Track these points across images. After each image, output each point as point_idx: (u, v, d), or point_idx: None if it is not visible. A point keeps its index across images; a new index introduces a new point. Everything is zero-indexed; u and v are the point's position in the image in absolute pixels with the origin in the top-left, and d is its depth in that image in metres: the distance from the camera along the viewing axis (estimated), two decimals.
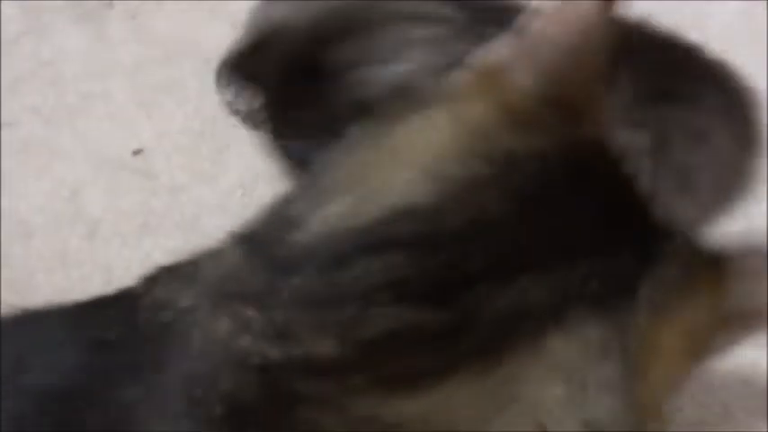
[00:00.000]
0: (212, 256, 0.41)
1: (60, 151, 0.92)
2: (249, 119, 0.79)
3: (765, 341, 0.41)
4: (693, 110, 0.69)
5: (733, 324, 0.36)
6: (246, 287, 0.36)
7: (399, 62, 0.68)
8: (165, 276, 0.41)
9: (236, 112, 0.78)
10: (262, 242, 0.39)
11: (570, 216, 0.36)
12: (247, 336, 0.34)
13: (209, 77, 0.80)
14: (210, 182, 0.89)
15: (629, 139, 0.63)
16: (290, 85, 0.72)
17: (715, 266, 0.37)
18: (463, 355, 0.33)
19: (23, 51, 1.01)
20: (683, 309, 0.35)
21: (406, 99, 0.42)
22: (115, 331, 0.38)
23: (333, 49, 0.69)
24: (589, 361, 0.33)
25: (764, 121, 0.72)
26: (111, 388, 0.35)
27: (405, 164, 0.38)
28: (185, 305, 0.37)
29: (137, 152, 0.91)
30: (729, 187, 0.70)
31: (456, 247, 0.35)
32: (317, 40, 0.71)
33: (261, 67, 0.74)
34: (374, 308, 0.33)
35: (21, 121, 0.95)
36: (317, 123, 0.70)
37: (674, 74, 0.71)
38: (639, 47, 0.65)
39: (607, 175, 0.38)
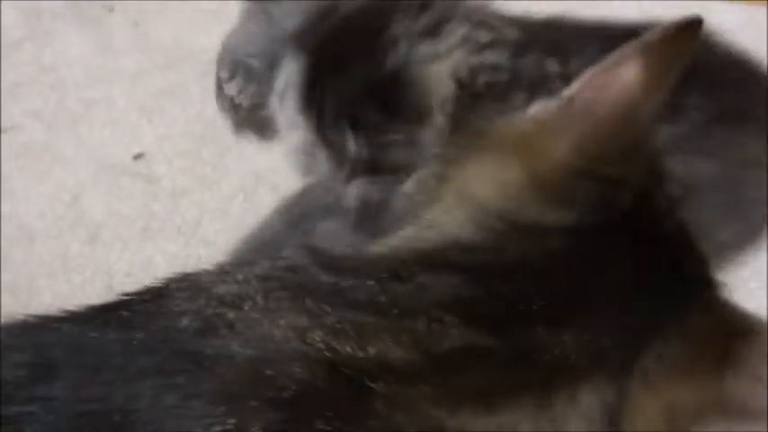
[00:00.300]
0: (270, 256, 0.41)
1: (61, 156, 0.92)
2: (248, 113, 0.80)
3: None
4: (756, 134, 0.68)
5: (731, 413, 0.36)
6: (315, 286, 0.37)
7: (438, 42, 0.69)
8: (218, 273, 0.40)
9: (235, 108, 0.79)
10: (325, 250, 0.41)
11: (601, 280, 0.37)
12: (319, 330, 0.34)
13: (211, 83, 0.81)
14: (212, 186, 0.90)
15: (697, 168, 0.64)
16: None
17: (734, 342, 0.37)
18: (521, 385, 0.34)
19: (25, 56, 1.01)
20: (676, 387, 0.36)
21: (467, 141, 0.44)
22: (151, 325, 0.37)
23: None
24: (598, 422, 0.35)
25: None
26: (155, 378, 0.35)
27: (462, 201, 0.40)
28: (248, 300, 0.37)
29: (138, 156, 0.91)
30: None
31: (505, 284, 0.36)
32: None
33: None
34: (442, 324, 0.35)
35: (22, 125, 0.95)
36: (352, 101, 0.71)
37: (741, 95, 0.70)
38: (706, 67, 0.64)
39: (642, 238, 0.39)
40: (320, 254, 0.40)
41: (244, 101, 0.79)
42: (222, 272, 0.40)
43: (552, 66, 0.67)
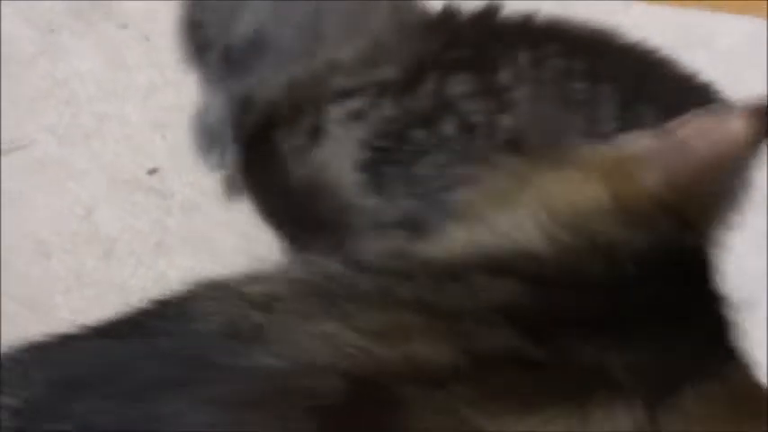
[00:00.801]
0: (303, 261, 0.42)
1: (75, 171, 0.93)
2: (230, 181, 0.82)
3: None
4: None
5: None
6: (353, 289, 0.37)
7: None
8: (249, 277, 0.41)
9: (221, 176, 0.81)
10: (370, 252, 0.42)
11: (654, 308, 0.38)
12: (353, 334, 0.35)
13: None
14: (223, 201, 0.90)
15: None
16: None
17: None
18: (559, 395, 0.35)
19: (38, 72, 1.02)
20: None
21: (546, 158, 0.46)
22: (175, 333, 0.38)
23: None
24: None
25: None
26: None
27: (537, 211, 0.41)
28: (280, 305, 0.37)
29: (152, 171, 0.92)
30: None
31: (563, 298, 0.37)
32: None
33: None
34: (490, 326, 0.35)
35: (36, 141, 0.96)
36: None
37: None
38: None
39: (695, 284, 0.40)
40: (356, 259, 0.40)
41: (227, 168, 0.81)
42: (252, 275, 0.40)
43: (459, 84, 0.65)
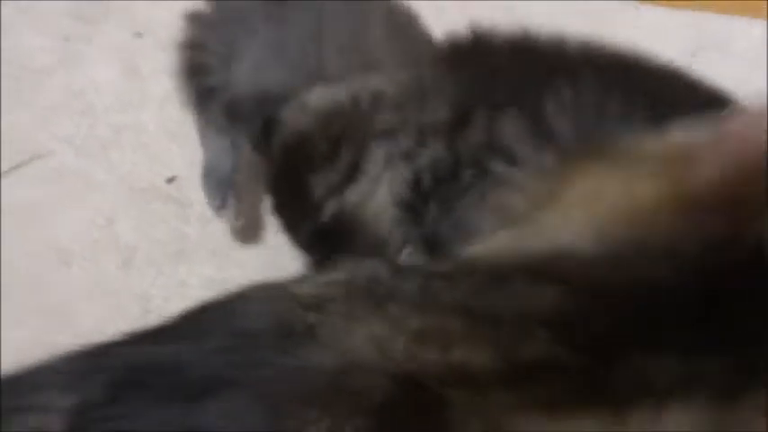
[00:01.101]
0: (351, 265, 0.42)
1: (94, 181, 0.93)
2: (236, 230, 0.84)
3: None
4: None
5: None
6: (398, 292, 0.38)
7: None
8: (301, 281, 0.41)
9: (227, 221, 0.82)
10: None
11: (710, 309, 0.37)
12: (400, 338, 0.35)
13: None
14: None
15: None
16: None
17: None
18: (596, 399, 0.35)
19: (55, 83, 1.02)
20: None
21: (589, 155, 0.45)
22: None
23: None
24: None
25: None
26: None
27: (586, 212, 0.40)
28: (331, 306, 0.38)
29: (170, 180, 0.92)
30: None
31: (610, 302, 0.37)
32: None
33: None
34: (530, 333, 0.35)
35: (54, 151, 0.96)
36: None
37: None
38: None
39: (755, 278, 0.39)
40: (400, 264, 0.40)
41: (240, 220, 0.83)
42: (303, 278, 0.42)
43: (508, 123, 0.63)
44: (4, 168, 0.92)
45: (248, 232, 0.88)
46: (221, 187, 0.86)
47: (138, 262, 0.86)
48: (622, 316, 0.36)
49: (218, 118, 0.87)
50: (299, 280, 0.42)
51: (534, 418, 0.34)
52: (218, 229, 0.89)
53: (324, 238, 0.69)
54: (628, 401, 0.35)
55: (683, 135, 0.43)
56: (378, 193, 0.66)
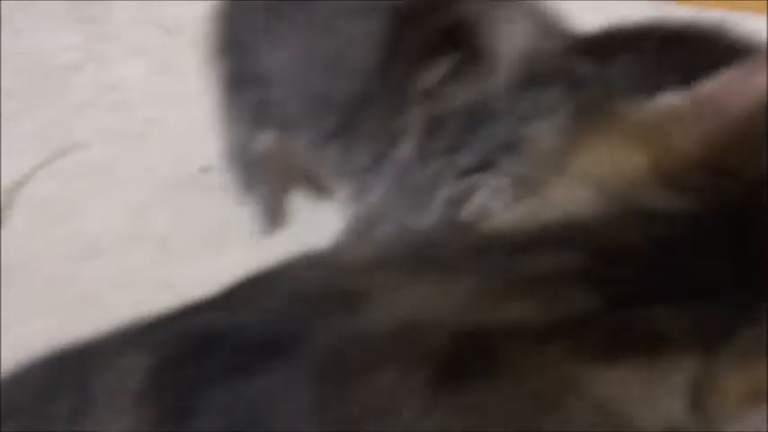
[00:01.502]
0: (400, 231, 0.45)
1: (126, 172, 0.93)
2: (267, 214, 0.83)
3: None
4: None
5: None
6: (445, 256, 0.41)
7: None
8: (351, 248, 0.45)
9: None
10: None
11: (706, 263, 0.40)
12: (455, 297, 0.38)
13: None
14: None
15: None
16: None
17: None
18: (631, 349, 0.37)
19: (86, 78, 1.02)
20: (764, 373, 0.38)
21: (592, 123, 0.47)
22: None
23: None
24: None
25: None
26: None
27: (585, 182, 0.44)
28: (383, 271, 0.40)
29: (205, 169, 0.91)
30: None
31: (619, 262, 0.40)
32: None
33: None
34: (566, 291, 0.38)
35: (86, 144, 0.96)
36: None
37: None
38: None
39: (750, 229, 0.41)
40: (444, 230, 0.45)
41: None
42: (353, 244, 0.45)
43: None
44: (37, 162, 0.91)
45: (274, 216, 0.87)
46: (248, 170, 0.85)
47: (170, 251, 0.85)
48: (632, 270, 0.40)
49: (248, 105, 0.85)
50: (350, 246, 0.47)
51: (584, 367, 0.37)
52: (251, 216, 0.87)
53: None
54: (653, 349, 0.37)
55: (667, 101, 0.46)
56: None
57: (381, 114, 0.74)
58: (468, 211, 0.66)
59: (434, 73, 0.70)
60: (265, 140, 0.84)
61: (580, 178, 0.44)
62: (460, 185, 0.67)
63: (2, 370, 0.42)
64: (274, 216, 0.87)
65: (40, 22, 1.07)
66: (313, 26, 0.81)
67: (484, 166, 0.67)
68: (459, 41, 0.69)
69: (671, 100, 0.45)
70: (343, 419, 0.36)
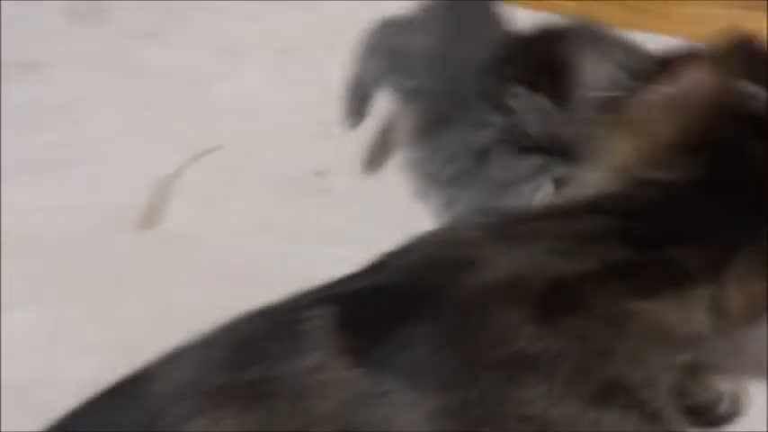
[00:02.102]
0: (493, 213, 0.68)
1: (252, 174, 1.05)
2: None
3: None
4: None
5: None
6: (525, 228, 0.57)
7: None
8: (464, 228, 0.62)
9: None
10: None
11: (701, 213, 0.56)
12: (539, 257, 0.54)
13: None
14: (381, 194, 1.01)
15: None
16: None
17: None
18: (665, 284, 0.54)
19: (217, 91, 1.17)
20: (756, 284, 0.56)
21: (613, 122, 0.65)
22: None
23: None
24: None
25: None
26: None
27: (609, 168, 0.62)
28: (487, 243, 0.56)
29: (320, 174, 1.04)
30: None
31: (639, 219, 0.56)
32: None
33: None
34: (610, 245, 0.54)
35: (219, 148, 1.09)
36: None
37: None
38: None
39: (733, 181, 0.58)
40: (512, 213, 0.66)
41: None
42: (465, 225, 0.64)
43: None
44: (181, 162, 1.06)
45: (374, 160, 1.00)
46: (363, 101, 0.96)
47: (289, 249, 0.96)
48: (649, 224, 0.55)
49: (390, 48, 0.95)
50: (463, 227, 0.64)
51: (634, 301, 0.52)
52: (364, 214, 0.98)
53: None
54: (679, 281, 0.54)
55: (647, 99, 0.63)
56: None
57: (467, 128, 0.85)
58: (537, 197, 0.80)
59: (517, 100, 0.80)
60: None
61: (609, 167, 0.61)
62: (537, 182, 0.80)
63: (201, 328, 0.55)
64: (375, 159, 1.00)
65: (173, 40, 1.22)
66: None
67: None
68: (549, 76, 0.79)
69: (648, 98, 0.62)
70: (476, 350, 0.50)
